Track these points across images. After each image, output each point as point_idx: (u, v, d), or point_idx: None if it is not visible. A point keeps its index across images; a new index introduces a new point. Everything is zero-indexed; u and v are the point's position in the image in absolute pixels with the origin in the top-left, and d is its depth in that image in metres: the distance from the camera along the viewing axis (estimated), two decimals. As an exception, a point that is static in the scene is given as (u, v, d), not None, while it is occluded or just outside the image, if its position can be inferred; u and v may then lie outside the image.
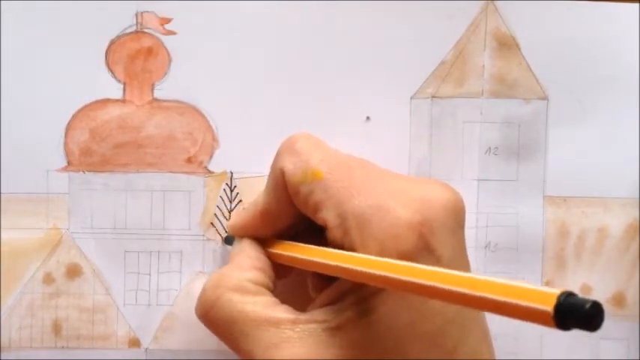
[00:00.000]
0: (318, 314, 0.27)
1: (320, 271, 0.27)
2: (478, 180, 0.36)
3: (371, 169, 0.29)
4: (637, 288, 0.36)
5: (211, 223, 0.35)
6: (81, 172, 0.35)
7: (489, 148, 0.36)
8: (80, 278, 0.35)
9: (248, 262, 0.30)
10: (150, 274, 0.35)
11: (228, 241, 0.34)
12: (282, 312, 0.28)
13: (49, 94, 0.35)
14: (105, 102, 0.35)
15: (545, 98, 0.36)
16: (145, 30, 0.35)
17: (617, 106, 0.36)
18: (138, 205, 0.35)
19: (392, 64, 0.35)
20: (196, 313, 0.29)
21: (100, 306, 0.35)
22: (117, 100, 0.35)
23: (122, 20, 0.35)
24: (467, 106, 0.36)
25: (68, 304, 0.35)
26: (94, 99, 0.35)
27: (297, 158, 0.29)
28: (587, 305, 0.18)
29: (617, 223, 0.36)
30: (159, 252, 0.35)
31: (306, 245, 0.29)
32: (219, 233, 0.35)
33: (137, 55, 0.35)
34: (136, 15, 0.35)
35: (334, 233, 0.27)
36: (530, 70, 0.36)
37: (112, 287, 0.35)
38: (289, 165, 0.29)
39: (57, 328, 0.35)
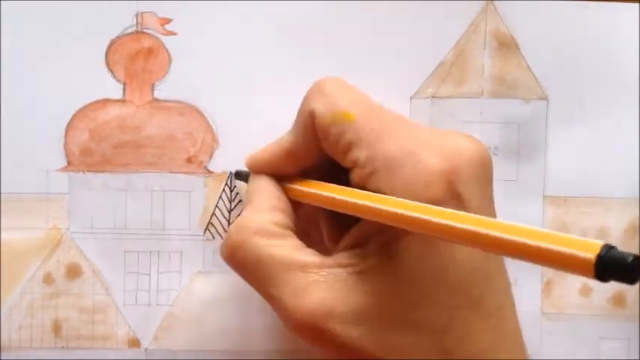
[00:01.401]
0: (342, 258, 0.27)
1: (345, 210, 0.27)
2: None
3: (399, 117, 0.29)
4: (637, 288, 0.36)
5: (211, 223, 0.35)
6: (81, 172, 0.35)
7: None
8: (80, 278, 0.35)
9: (270, 203, 0.30)
10: (150, 274, 0.35)
11: (241, 176, 0.34)
12: (308, 255, 0.27)
13: (49, 94, 0.35)
14: (105, 102, 0.35)
15: (545, 98, 0.36)
16: (145, 30, 0.35)
17: (617, 106, 0.36)
18: (138, 205, 0.35)
19: (392, 64, 0.35)
20: (221, 255, 0.29)
21: (100, 306, 0.35)
22: (117, 100, 0.35)
23: (122, 20, 0.35)
24: (467, 106, 0.36)
25: (68, 304, 0.35)
26: (94, 99, 0.35)
27: (327, 100, 0.29)
28: (630, 258, 0.18)
29: (617, 223, 0.36)
30: (159, 252, 0.35)
31: (330, 184, 0.29)
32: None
33: (137, 55, 0.35)
34: (136, 15, 0.35)
35: (362, 174, 0.27)
36: (530, 70, 0.36)
37: (111, 287, 0.35)
38: (319, 106, 0.29)
39: (57, 328, 0.35)
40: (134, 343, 0.35)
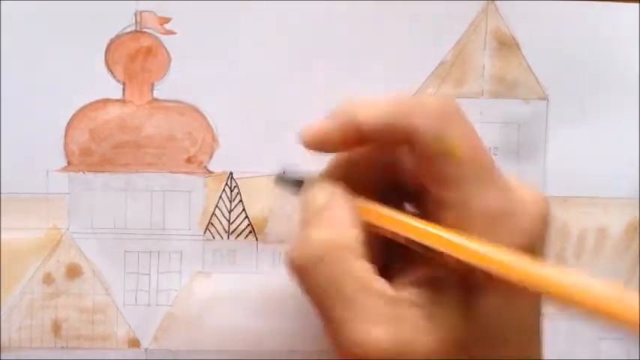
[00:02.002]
0: (415, 295, 0.26)
1: (435, 245, 0.25)
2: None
3: (493, 162, 0.27)
4: (637, 288, 0.36)
5: (211, 223, 0.35)
6: (81, 172, 0.35)
7: (489, 148, 0.36)
8: (80, 278, 0.35)
9: (354, 218, 0.27)
10: (150, 274, 0.35)
11: (288, 182, 0.30)
12: (384, 285, 0.26)
13: (48, 94, 0.35)
14: (104, 102, 0.35)
15: (545, 98, 0.36)
16: (145, 29, 0.35)
17: (617, 106, 0.36)
18: (138, 205, 0.35)
19: (392, 64, 0.35)
20: (295, 263, 0.26)
21: (100, 306, 0.35)
22: (117, 100, 0.35)
23: (121, 20, 0.35)
24: (467, 106, 0.35)
25: (68, 304, 0.35)
26: (93, 99, 0.35)
27: (435, 124, 0.26)
28: None
29: (617, 223, 0.36)
30: (159, 252, 0.35)
31: (412, 215, 0.27)
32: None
33: (136, 54, 0.35)
34: (135, 14, 0.35)
35: (446, 215, 0.26)
36: (530, 70, 0.36)
37: (111, 287, 0.35)
38: (426, 127, 0.25)
39: (57, 328, 0.35)
40: (134, 343, 0.35)
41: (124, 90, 0.35)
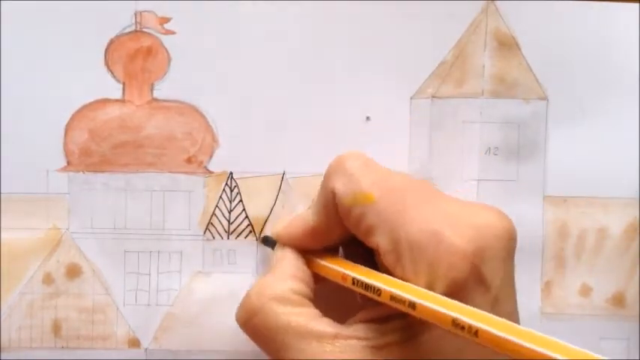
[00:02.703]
0: (360, 330, 0.27)
1: (369, 295, 0.27)
2: (478, 180, 0.36)
3: (423, 192, 0.28)
4: (637, 288, 0.36)
5: (211, 223, 0.35)
6: (81, 172, 0.35)
7: (489, 148, 0.36)
8: (80, 278, 0.35)
9: (291, 272, 0.30)
10: (150, 274, 0.35)
11: (268, 242, 0.34)
12: (325, 325, 0.27)
13: (48, 94, 0.35)
14: (104, 102, 0.35)
15: (545, 98, 0.36)
16: (144, 29, 0.35)
17: (617, 106, 0.36)
18: (138, 205, 0.35)
19: (392, 64, 0.35)
20: (237, 319, 0.30)
21: (100, 306, 0.35)
22: (116, 100, 0.35)
23: (121, 20, 0.35)
24: (467, 106, 0.36)
25: (68, 304, 0.35)
26: (93, 99, 0.35)
27: (347, 179, 0.28)
28: None
29: (617, 223, 0.36)
30: (159, 252, 0.35)
31: (352, 263, 0.29)
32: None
33: (136, 54, 0.35)
34: (135, 14, 0.35)
35: (386, 258, 0.27)
36: (531, 70, 0.36)
37: (111, 287, 0.35)
38: (340, 186, 0.28)
39: (57, 328, 0.35)
40: (134, 343, 0.35)
41: (123, 90, 0.35)
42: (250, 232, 0.35)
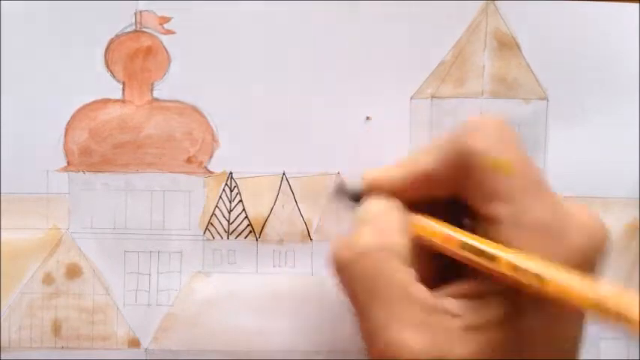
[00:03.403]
0: (454, 305, 0.26)
1: (477, 262, 0.26)
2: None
3: (545, 181, 0.28)
4: (637, 288, 0.36)
5: (211, 223, 0.35)
6: (81, 172, 0.35)
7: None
8: (80, 278, 0.35)
9: (402, 226, 0.28)
10: (150, 274, 0.35)
11: (348, 193, 0.31)
12: (425, 292, 0.26)
13: (48, 94, 0.35)
14: (104, 102, 0.35)
15: (545, 98, 0.36)
16: (145, 29, 0.35)
17: (617, 106, 0.36)
18: (138, 205, 0.35)
19: (392, 64, 0.35)
20: (339, 256, 0.27)
21: (100, 306, 0.35)
22: (116, 100, 0.35)
23: (121, 19, 0.35)
24: (467, 106, 0.36)
25: (68, 304, 0.35)
26: (93, 99, 0.35)
27: (491, 144, 0.27)
28: None
29: (617, 223, 0.36)
30: (159, 252, 0.35)
31: (459, 229, 0.27)
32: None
33: (136, 54, 0.35)
34: (135, 14, 0.35)
35: (504, 231, 0.26)
36: (530, 70, 0.36)
37: (111, 287, 0.35)
38: (482, 148, 0.27)
39: (57, 328, 0.35)
40: (134, 343, 0.35)
41: (123, 90, 0.35)
42: (250, 232, 0.35)
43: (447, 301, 0.26)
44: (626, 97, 0.36)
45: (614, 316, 0.23)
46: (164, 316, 0.35)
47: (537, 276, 0.24)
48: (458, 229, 0.28)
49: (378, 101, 0.35)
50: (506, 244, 0.26)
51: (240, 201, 0.35)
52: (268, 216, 0.35)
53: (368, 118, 0.35)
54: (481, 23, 0.35)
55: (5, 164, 0.35)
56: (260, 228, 0.35)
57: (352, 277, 0.27)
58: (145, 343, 0.35)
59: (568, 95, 0.36)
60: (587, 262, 0.26)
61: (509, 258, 0.25)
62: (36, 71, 0.35)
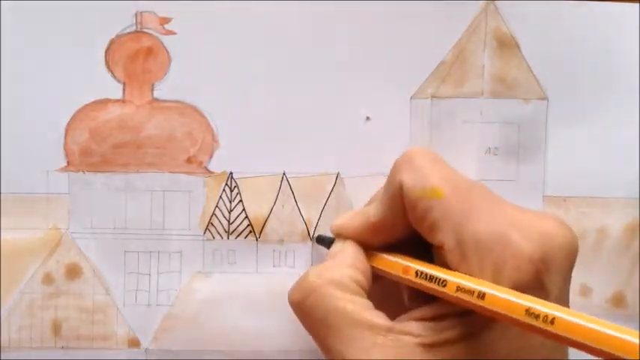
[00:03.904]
0: (413, 327, 0.27)
1: (430, 288, 0.27)
2: (478, 180, 0.36)
3: (486, 194, 0.28)
4: (637, 288, 0.36)
5: (211, 223, 0.35)
6: (81, 172, 0.35)
7: (489, 148, 0.36)
8: (80, 278, 0.35)
9: (351, 261, 0.30)
10: (150, 274, 0.35)
11: (323, 241, 0.34)
12: (378, 317, 0.27)
13: (49, 94, 0.35)
14: (105, 102, 0.35)
15: (545, 98, 0.36)
16: (145, 30, 0.35)
17: (617, 106, 0.36)
18: (138, 205, 0.35)
19: (392, 64, 0.35)
20: (291, 298, 0.29)
21: (100, 306, 0.35)
22: (117, 100, 0.35)
23: (122, 20, 0.35)
24: (467, 106, 0.36)
25: (68, 304, 0.35)
26: (93, 99, 0.35)
27: (416, 173, 0.28)
28: None
29: (616, 223, 0.36)
30: (159, 252, 0.35)
31: (414, 259, 0.29)
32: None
33: (137, 55, 0.35)
34: (136, 15, 0.35)
35: (450, 256, 0.27)
36: (530, 70, 0.36)
37: (111, 287, 0.35)
38: (408, 179, 0.28)
39: (57, 328, 0.35)
40: (134, 343, 0.35)
41: (124, 90, 0.35)
42: (250, 232, 0.35)
43: (407, 323, 0.27)
44: (626, 97, 0.36)
45: (542, 322, 0.23)
46: (164, 316, 0.35)
47: (480, 293, 0.25)
48: (414, 259, 0.29)
49: (378, 101, 0.35)
50: (454, 266, 0.27)
51: (240, 201, 0.35)
52: (268, 216, 0.35)
53: (368, 118, 0.35)
54: (481, 23, 0.35)
55: (5, 164, 0.35)
56: (260, 228, 0.35)
57: (306, 313, 0.28)
58: (145, 343, 0.35)
59: (568, 95, 0.36)
60: (545, 269, 0.25)
61: (455, 281, 0.26)
62: (36, 71, 0.35)
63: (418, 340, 0.26)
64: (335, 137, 0.35)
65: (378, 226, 0.30)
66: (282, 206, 0.35)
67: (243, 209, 0.35)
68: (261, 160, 0.35)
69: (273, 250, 0.35)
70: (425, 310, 0.27)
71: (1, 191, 0.35)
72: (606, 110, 0.36)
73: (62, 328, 0.35)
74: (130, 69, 0.35)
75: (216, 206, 0.35)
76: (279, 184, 0.35)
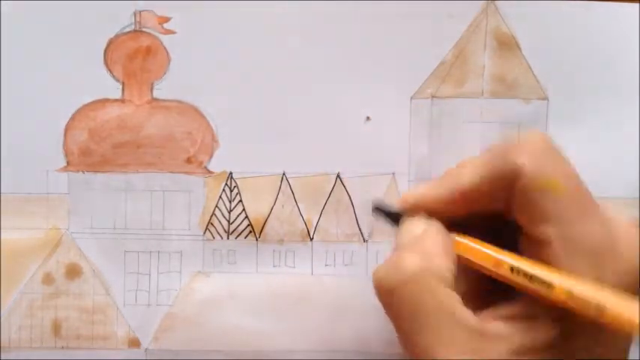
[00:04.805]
0: (502, 329, 0.26)
1: (527, 288, 0.26)
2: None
3: (591, 195, 0.27)
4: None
5: (211, 223, 0.35)
6: (81, 172, 0.35)
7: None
8: (80, 278, 0.35)
9: (447, 250, 0.27)
10: (150, 274, 0.35)
11: (385, 213, 0.30)
12: (470, 317, 0.26)
13: (48, 94, 0.35)
14: (104, 102, 0.35)
15: (545, 98, 0.36)
16: (144, 29, 0.35)
17: (617, 106, 0.36)
18: (138, 205, 0.35)
19: (392, 64, 0.35)
20: (382, 282, 0.27)
21: (100, 306, 0.35)
22: (116, 100, 0.35)
23: (121, 19, 0.35)
24: (467, 106, 0.36)
25: (68, 304, 0.35)
26: (93, 99, 0.35)
27: (540, 163, 0.26)
28: None
29: (616, 223, 0.36)
30: (159, 252, 0.35)
31: (508, 253, 0.27)
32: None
33: (136, 54, 0.35)
34: (135, 14, 0.35)
35: (551, 252, 0.26)
36: (530, 70, 0.36)
37: (111, 287, 0.35)
38: (532, 166, 0.26)
39: (57, 329, 0.35)
40: (134, 343, 0.35)
41: (123, 90, 0.35)
42: (250, 232, 0.35)
43: (495, 324, 0.26)
44: (626, 97, 0.36)
45: None
46: (164, 316, 0.35)
47: (597, 305, 0.24)
48: (504, 251, 0.27)
49: (378, 101, 0.35)
50: (557, 266, 0.25)
51: (240, 201, 0.35)
52: (268, 216, 0.35)
53: (368, 118, 0.35)
54: (481, 23, 0.35)
55: (5, 164, 0.35)
56: (260, 228, 0.35)
57: (399, 303, 0.26)
58: (145, 343, 0.35)
59: (568, 95, 0.36)
60: (638, 282, 0.25)
61: (566, 285, 0.25)
62: (36, 71, 0.34)
63: (507, 344, 0.25)
64: (335, 137, 0.35)
65: (470, 196, 0.28)
66: (282, 206, 0.35)
67: (243, 209, 0.35)
68: (261, 160, 0.35)
69: (273, 250, 0.35)
70: (513, 308, 0.26)
71: (1, 191, 0.35)
72: (606, 110, 0.36)
73: (62, 328, 0.35)
74: (129, 68, 0.35)
75: (216, 206, 0.35)
76: (279, 184, 0.35)
